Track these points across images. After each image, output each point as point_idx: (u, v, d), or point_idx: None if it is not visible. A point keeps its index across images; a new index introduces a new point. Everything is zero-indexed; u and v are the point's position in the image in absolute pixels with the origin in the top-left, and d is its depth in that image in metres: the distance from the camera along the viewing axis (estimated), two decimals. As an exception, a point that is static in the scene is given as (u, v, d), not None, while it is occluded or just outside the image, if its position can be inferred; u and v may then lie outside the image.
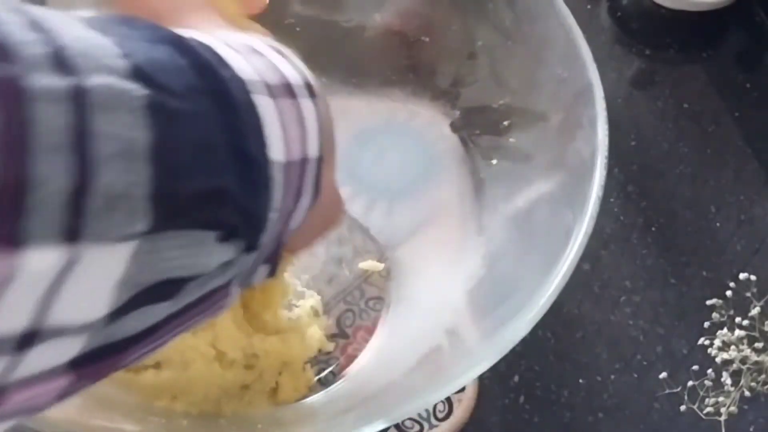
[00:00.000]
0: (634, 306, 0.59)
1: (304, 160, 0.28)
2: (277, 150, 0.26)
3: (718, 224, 0.62)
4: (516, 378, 0.55)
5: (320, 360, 0.50)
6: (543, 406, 0.55)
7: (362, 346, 0.50)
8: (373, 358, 0.49)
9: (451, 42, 0.55)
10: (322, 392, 0.48)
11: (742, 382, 0.55)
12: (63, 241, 0.19)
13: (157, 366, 0.44)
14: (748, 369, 0.56)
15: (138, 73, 0.21)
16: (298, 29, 0.57)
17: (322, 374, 0.50)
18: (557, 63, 0.48)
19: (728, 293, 0.59)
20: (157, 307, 0.23)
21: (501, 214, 0.50)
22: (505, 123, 0.52)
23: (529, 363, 0.56)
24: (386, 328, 0.50)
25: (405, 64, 0.57)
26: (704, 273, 0.60)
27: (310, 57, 0.32)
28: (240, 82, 0.25)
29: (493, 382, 0.54)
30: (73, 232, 0.19)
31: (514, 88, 0.52)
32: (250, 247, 0.26)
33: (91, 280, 0.20)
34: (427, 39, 0.56)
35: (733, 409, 0.54)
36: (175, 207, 0.22)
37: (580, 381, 0.56)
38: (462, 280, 0.48)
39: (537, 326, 0.56)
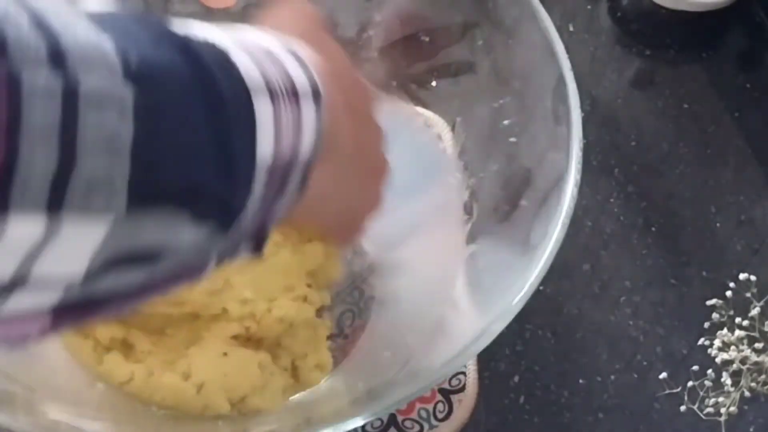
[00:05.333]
0: (634, 306, 0.59)
1: (290, 163, 0.30)
2: (266, 151, 0.28)
3: (718, 224, 0.62)
4: (516, 378, 0.55)
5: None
6: (543, 406, 0.55)
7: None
8: (367, 353, 0.49)
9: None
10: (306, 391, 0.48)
11: (742, 382, 0.55)
12: (45, 212, 0.22)
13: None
14: (748, 369, 0.56)
15: (130, 72, 0.23)
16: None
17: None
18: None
19: (728, 293, 0.59)
20: (131, 274, 0.26)
21: (485, 219, 0.51)
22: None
23: (529, 363, 0.56)
24: (381, 326, 0.50)
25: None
26: (704, 273, 0.60)
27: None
28: (241, 86, 0.27)
29: (493, 382, 0.54)
30: (54, 205, 0.22)
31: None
32: (224, 228, 0.28)
33: (70, 246, 0.23)
34: (427, 39, 0.56)
35: (733, 409, 0.54)
36: (151, 194, 0.24)
37: (580, 381, 0.56)
38: (455, 282, 0.49)
39: (537, 326, 0.57)
